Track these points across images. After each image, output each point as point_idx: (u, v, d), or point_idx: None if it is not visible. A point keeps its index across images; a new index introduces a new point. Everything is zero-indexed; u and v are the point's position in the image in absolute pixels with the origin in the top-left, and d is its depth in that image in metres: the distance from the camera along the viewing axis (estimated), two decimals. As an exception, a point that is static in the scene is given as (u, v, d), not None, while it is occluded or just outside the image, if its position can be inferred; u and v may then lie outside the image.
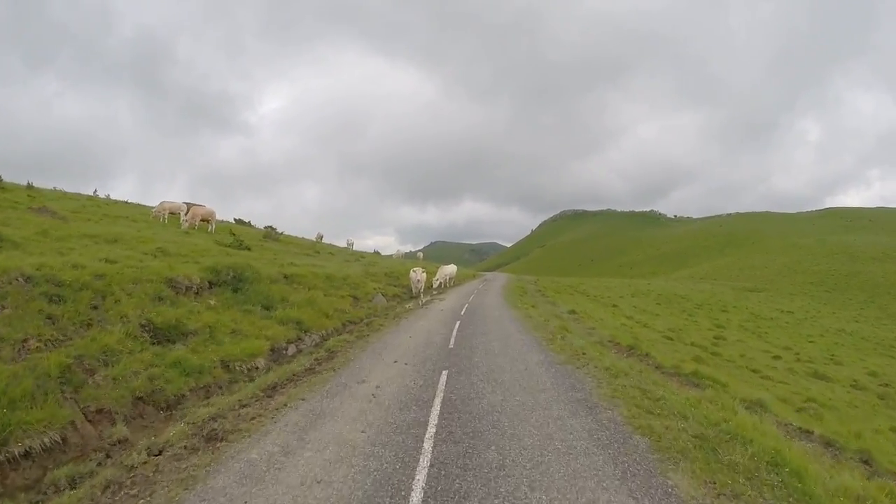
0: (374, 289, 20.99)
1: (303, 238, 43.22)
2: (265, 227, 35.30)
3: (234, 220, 48.98)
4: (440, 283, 31.03)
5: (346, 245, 49.99)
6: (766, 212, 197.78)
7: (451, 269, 34.24)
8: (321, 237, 50.54)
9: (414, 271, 24.45)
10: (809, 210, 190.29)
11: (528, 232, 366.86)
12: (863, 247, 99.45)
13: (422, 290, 24.54)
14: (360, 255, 41.31)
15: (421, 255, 62.80)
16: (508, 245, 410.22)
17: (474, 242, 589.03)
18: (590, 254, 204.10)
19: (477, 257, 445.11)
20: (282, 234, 35.03)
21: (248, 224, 50.51)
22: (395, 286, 24.41)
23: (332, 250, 39.81)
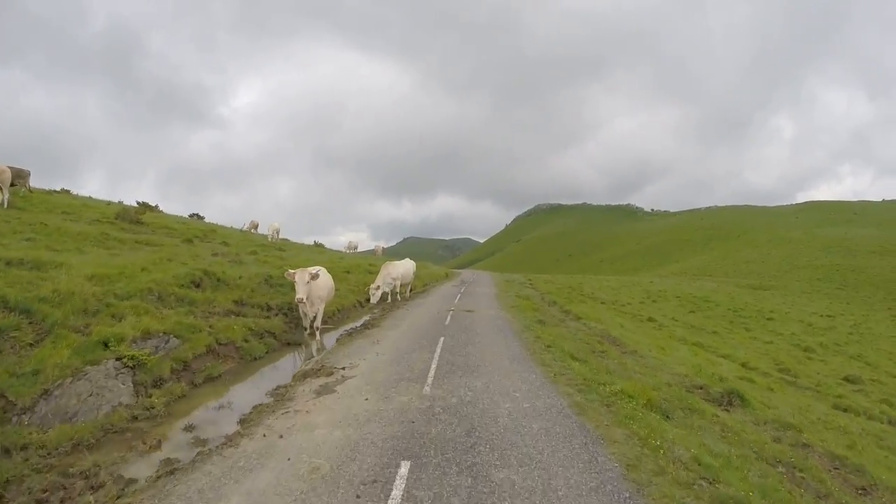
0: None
1: (212, 223, 32.55)
2: (139, 204, 24.61)
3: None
4: (383, 291, 18.92)
5: (263, 232, 36.64)
6: (746, 205, 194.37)
7: (402, 266, 21.63)
8: (255, 225, 39.83)
9: (300, 274, 12.22)
10: (787, 204, 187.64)
11: (502, 227, 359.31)
12: (857, 240, 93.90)
13: (311, 316, 13.12)
14: (280, 248, 27.11)
15: (380, 250, 51.49)
16: (482, 241, 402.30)
17: (447, 238, 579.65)
18: (567, 249, 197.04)
19: (450, 253, 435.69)
20: (160, 212, 24.34)
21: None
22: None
23: (233, 239, 25.35)
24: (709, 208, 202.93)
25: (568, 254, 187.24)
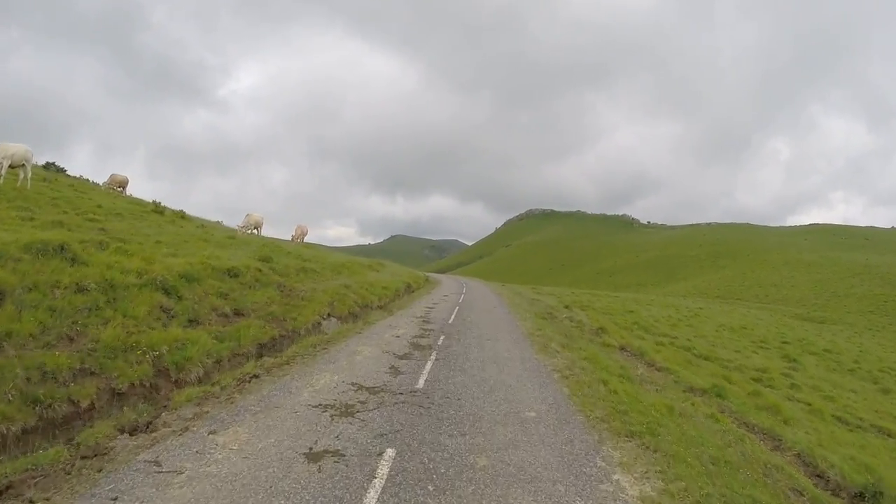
0: None
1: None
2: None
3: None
4: None
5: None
6: (747, 223, 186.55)
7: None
8: (161, 206, 27.59)
9: None
10: (777, 225, 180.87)
11: (492, 230, 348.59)
12: (886, 267, 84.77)
13: None
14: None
15: (259, 217, 27.92)
16: (470, 243, 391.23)
17: (435, 239, 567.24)
18: (560, 257, 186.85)
19: (437, 254, 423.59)
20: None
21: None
22: None
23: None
24: (709, 224, 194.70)
25: (561, 263, 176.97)
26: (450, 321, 14.73)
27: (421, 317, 15.21)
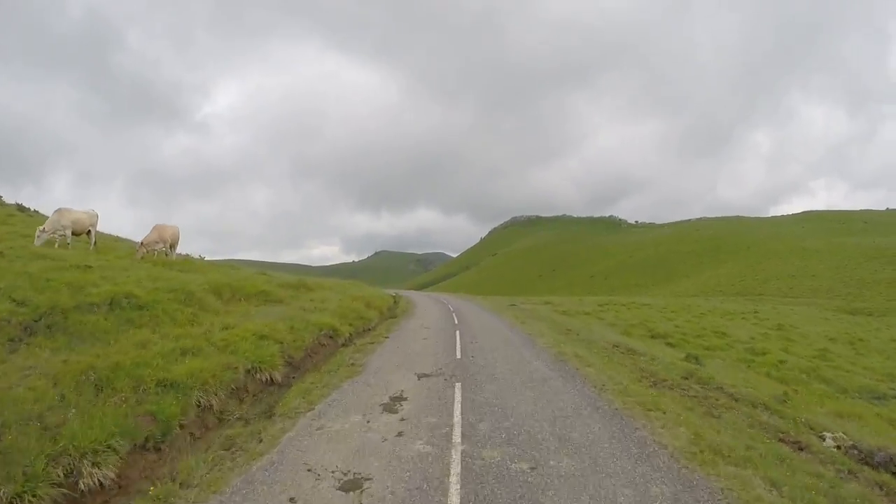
0: None
1: None
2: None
3: None
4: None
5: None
6: (737, 216, 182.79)
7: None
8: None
9: None
10: (769, 216, 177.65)
11: (477, 241, 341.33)
12: (899, 249, 79.55)
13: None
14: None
15: (93, 211, 17.42)
16: (455, 255, 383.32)
17: (419, 252, 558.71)
18: (549, 263, 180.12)
19: (422, 268, 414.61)
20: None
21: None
22: None
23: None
24: (699, 219, 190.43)
25: (552, 268, 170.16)
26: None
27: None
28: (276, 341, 9.92)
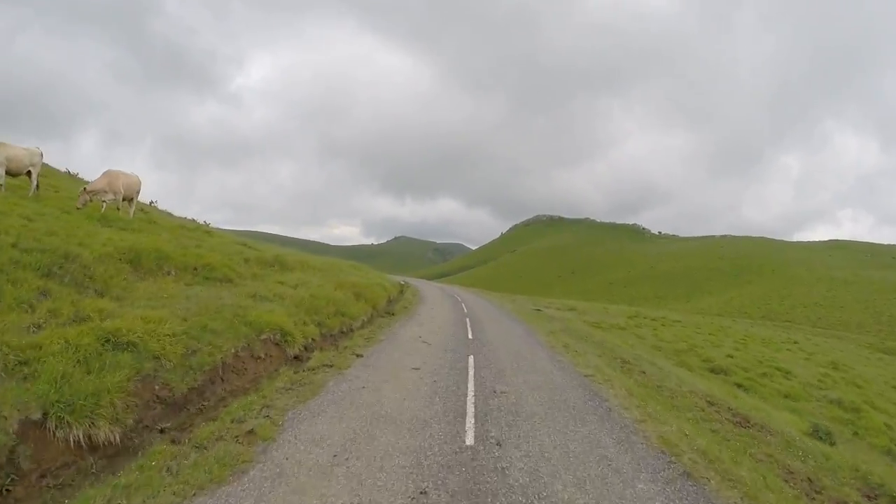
0: None
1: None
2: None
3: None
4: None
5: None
6: (763, 237, 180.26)
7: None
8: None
9: None
10: (800, 241, 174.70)
11: (497, 235, 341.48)
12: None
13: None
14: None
15: (37, 150, 14.04)
16: (474, 248, 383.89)
17: (439, 242, 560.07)
18: (569, 265, 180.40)
19: (441, 257, 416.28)
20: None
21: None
22: None
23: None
24: (724, 236, 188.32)
25: (571, 271, 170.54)
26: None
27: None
28: (149, 354, 6.02)
